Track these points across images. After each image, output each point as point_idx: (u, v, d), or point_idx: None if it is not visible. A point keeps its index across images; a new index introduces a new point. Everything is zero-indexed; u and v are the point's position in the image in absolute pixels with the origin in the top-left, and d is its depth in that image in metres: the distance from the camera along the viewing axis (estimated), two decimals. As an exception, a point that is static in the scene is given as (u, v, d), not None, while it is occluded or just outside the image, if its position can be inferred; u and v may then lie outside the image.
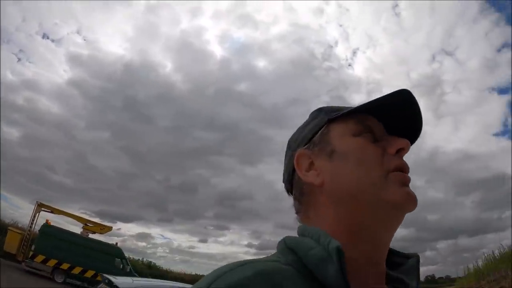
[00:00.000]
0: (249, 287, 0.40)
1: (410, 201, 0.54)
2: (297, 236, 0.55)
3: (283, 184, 0.68)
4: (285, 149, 0.68)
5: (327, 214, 0.55)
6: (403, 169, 0.56)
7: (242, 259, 0.47)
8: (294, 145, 0.64)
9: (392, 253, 0.60)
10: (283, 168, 0.68)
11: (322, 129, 0.61)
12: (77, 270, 16.29)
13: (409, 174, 0.56)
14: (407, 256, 0.61)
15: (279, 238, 0.58)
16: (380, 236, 0.54)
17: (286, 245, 0.52)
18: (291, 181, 0.64)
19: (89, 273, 16.28)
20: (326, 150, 0.58)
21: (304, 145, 0.62)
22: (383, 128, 0.60)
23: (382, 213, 0.53)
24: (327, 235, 0.49)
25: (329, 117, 0.61)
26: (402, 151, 0.57)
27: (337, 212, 0.54)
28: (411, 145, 0.61)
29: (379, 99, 0.57)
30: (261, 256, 0.54)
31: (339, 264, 0.44)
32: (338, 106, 0.64)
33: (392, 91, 0.56)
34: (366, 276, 0.51)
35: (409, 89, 0.56)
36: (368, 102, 0.57)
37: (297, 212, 0.62)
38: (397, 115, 0.59)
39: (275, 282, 0.43)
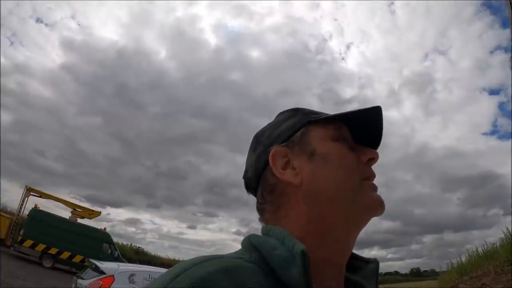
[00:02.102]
0: (213, 283, 0.41)
1: (381, 206, 0.58)
2: (261, 235, 0.55)
3: (244, 180, 0.67)
4: None
5: (299, 215, 0.55)
6: (372, 178, 0.60)
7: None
8: (267, 141, 0.62)
9: (353, 257, 0.61)
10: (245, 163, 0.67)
11: (302, 129, 0.61)
12: (65, 255, 16.32)
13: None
14: (366, 261, 0.63)
15: None
16: (348, 238, 0.56)
17: (251, 243, 0.52)
18: (258, 178, 0.62)
19: (77, 258, 16.29)
20: (306, 151, 0.58)
21: (281, 143, 0.60)
22: (351, 137, 0.62)
23: (355, 216, 0.56)
24: (292, 237, 0.49)
25: (309, 119, 0.61)
26: (372, 161, 0.61)
27: (310, 212, 0.55)
28: None
29: (358, 111, 0.60)
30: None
31: (303, 267, 0.45)
32: (314, 110, 0.65)
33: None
34: (327, 278, 0.52)
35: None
36: (348, 112, 0.60)
37: (261, 212, 0.62)
38: (364, 127, 0.62)
39: (238, 279, 0.43)
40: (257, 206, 0.63)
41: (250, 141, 0.67)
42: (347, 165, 0.57)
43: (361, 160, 0.59)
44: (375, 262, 0.63)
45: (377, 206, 0.57)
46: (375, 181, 0.60)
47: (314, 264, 0.48)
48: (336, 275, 0.55)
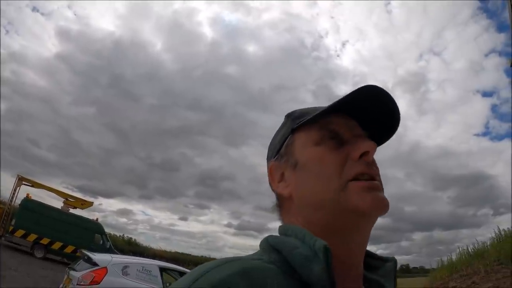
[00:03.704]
0: (233, 285, 0.41)
1: (377, 207, 0.53)
2: (279, 235, 0.55)
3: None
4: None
5: (297, 223, 0.56)
6: (366, 174, 0.54)
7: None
8: (269, 154, 0.66)
9: (370, 256, 0.61)
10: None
11: (287, 140, 0.61)
12: (57, 246, 16.21)
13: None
14: (384, 260, 0.62)
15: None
16: (350, 241, 0.54)
17: (270, 244, 0.52)
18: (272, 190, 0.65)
19: (69, 249, 16.21)
20: (291, 162, 0.59)
21: (275, 156, 0.63)
22: (355, 126, 0.59)
23: (347, 221, 0.53)
24: (312, 235, 0.49)
25: (292, 127, 0.61)
26: (366, 154, 0.55)
27: (304, 221, 0.55)
28: (393, 132, 0.63)
29: (343, 98, 0.55)
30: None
31: (327, 263, 0.45)
32: (307, 110, 0.63)
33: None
34: (344, 278, 0.51)
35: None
36: (332, 104, 0.56)
37: (278, 218, 0.63)
38: (372, 109, 0.59)
39: (259, 281, 0.43)
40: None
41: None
42: (326, 171, 0.54)
43: (352, 158, 0.55)
44: (393, 260, 0.62)
45: (369, 209, 0.52)
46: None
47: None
48: (352, 274, 0.54)
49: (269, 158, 0.65)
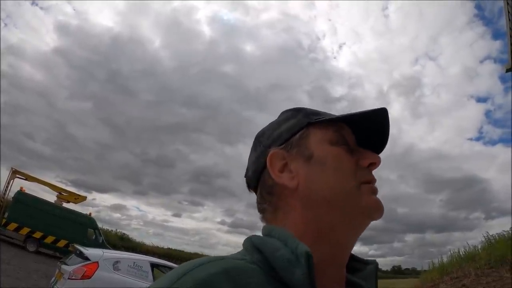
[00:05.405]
0: (216, 284, 0.41)
1: (380, 210, 0.57)
2: (263, 236, 0.55)
3: (245, 179, 0.67)
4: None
5: (296, 217, 0.55)
6: (373, 182, 0.58)
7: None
8: (266, 141, 0.62)
9: (352, 258, 0.62)
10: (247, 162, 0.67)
11: (302, 131, 0.60)
12: (49, 239, 16.15)
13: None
14: (366, 262, 0.63)
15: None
16: (347, 240, 0.56)
17: (253, 244, 0.52)
18: (257, 178, 0.62)
19: (62, 243, 16.17)
20: (304, 154, 0.58)
21: (279, 144, 0.60)
22: (355, 140, 0.62)
23: (353, 219, 0.55)
24: (295, 238, 0.49)
25: (309, 120, 0.61)
26: (373, 165, 0.59)
27: (307, 215, 0.55)
28: None
29: (362, 113, 0.58)
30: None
31: (308, 269, 0.45)
32: (316, 110, 0.64)
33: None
34: (328, 279, 0.52)
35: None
36: (351, 114, 0.59)
37: (261, 211, 0.62)
38: (369, 129, 0.61)
39: (241, 281, 0.43)
40: (257, 205, 0.63)
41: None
42: (344, 169, 0.57)
43: (361, 165, 0.58)
44: (374, 263, 0.63)
45: (374, 210, 0.56)
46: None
47: (315, 265, 0.47)
48: (337, 276, 0.55)
49: (267, 145, 0.62)
